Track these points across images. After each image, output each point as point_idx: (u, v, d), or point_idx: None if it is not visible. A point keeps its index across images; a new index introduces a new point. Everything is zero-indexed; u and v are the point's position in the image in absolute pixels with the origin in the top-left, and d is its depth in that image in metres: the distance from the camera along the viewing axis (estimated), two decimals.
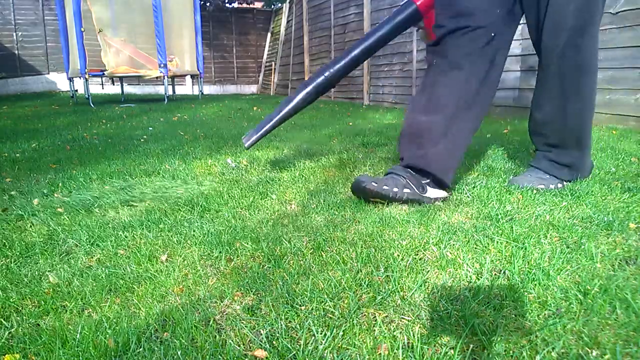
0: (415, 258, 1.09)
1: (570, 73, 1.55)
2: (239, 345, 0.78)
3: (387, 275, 1.00)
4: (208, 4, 11.74)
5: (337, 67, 1.80)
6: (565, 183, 1.70)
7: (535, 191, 1.60)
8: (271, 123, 1.84)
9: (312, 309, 0.88)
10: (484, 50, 1.49)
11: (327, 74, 1.80)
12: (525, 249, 1.11)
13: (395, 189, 1.49)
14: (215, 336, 0.81)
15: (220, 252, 1.17)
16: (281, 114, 1.83)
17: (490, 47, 1.49)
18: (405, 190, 1.51)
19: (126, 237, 1.30)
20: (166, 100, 7.52)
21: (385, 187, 1.48)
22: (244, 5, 12.55)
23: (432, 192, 1.54)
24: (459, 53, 1.50)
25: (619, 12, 3.34)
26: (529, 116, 1.72)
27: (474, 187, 1.67)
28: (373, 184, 1.48)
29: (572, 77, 1.55)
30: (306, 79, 9.91)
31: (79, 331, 0.83)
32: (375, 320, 0.84)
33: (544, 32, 1.53)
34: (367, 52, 1.80)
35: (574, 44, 1.51)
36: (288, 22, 10.36)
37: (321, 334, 0.80)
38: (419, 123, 1.55)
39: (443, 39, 1.52)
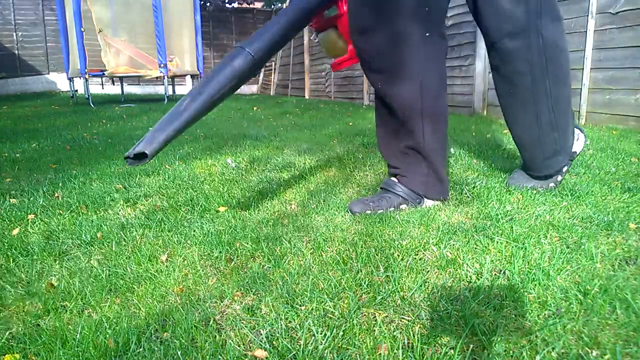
0: (415, 258, 1.09)
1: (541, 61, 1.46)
2: (239, 345, 0.78)
3: (387, 275, 1.00)
4: (208, 4, 11.74)
5: (264, 44, 1.33)
6: (562, 175, 1.66)
7: (535, 191, 1.60)
8: (175, 126, 1.21)
9: (312, 309, 0.88)
10: (424, 52, 1.37)
11: (251, 50, 1.30)
12: (525, 249, 1.11)
13: (392, 209, 1.49)
14: (215, 336, 0.81)
15: (220, 252, 1.17)
16: (189, 113, 1.24)
17: (431, 45, 1.39)
18: (402, 206, 1.51)
19: (126, 237, 1.30)
20: (166, 100, 7.52)
21: (380, 212, 1.47)
22: (244, 5, 12.55)
23: (430, 201, 1.55)
24: (403, 64, 1.38)
25: (619, 12, 3.34)
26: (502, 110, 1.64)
27: (474, 187, 1.67)
28: (367, 212, 1.46)
29: (551, 64, 1.47)
30: (306, 79, 9.77)
31: (79, 331, 0.83)
32: (375, 320, 0.84)
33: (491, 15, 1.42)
34: (296, 24, 1.40)
35: (536, 29, 1.42)
36: None
37: (321, 334, 0.80)
38: (398, 147, 1.52)
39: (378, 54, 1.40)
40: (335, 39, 1.51)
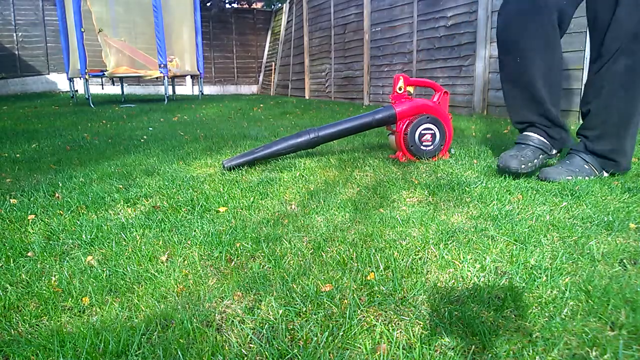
0: (415, 258, 1.09)
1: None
2: (239, 345, 0.78)
3: (387, 276, 1.00)
4: (209, 4, 11.75)
5: (325, 133, 2.18)
6: (597, 174, 1.77)
7: (535, 191, 1.60)
8: (255, 155, 2.13)
9: (312, 309, 0.88)
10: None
11: (313, 135, 2.18)
12: (526, 249, 1.11)
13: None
14: (216, 336, 0.81)
15: (220, 252, 1.17)
16: (267, 151, 2.16)
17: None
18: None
19: (126, 237, 1.30)
20: (166, 100, 7.52)
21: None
22: (245, 6, 12.56)
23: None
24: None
25: None
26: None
27: (474, 187, 1.67)
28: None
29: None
30: (306, 79, 9.85)
31: (79, 331, 0.83)
32: (376, 321, 0.84)
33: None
34: (357, 130, 2.21)
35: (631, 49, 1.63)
36: (288, 22, 10.36)
37: (321, 334, 0.80)
38: None
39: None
40: (392, 142, 2.27)
